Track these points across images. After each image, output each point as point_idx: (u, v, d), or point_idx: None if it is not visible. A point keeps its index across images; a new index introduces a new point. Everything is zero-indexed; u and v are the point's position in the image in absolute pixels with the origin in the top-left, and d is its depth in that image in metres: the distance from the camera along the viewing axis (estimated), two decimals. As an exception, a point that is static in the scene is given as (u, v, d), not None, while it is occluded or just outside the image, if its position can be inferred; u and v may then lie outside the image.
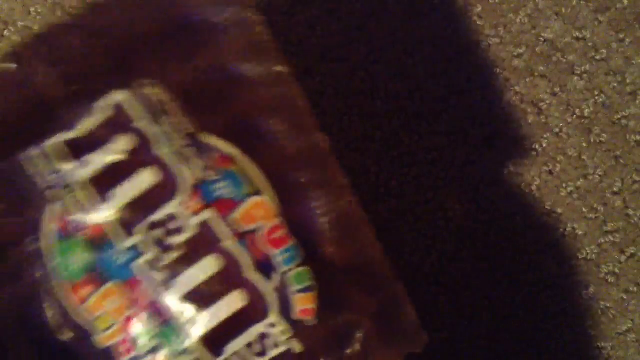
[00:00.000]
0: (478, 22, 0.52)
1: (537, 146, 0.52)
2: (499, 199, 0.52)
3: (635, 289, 0.52)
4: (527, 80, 0.52)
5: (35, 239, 0.39)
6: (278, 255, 0.37)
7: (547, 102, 0.52)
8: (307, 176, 0.38)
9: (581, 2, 0.52)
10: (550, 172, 0.52)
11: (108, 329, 0.38)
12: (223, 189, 0.37)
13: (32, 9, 0.53)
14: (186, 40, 0.39)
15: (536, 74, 0.52)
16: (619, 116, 0.52)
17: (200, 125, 0.38)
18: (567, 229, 0.52)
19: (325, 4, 0.52)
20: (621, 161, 0.52)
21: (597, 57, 0.52)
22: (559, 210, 0.52)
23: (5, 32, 0.53)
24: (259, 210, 0.37)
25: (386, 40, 0.52)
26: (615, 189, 0.52)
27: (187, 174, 0.37)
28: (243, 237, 0.37)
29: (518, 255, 0.52)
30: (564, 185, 0.52)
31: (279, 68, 0.39)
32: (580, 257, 0.52)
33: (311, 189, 0.38)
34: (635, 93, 0.52)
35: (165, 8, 0.39)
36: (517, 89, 0.52)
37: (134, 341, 0.38)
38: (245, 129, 0.39)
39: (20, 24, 0.53)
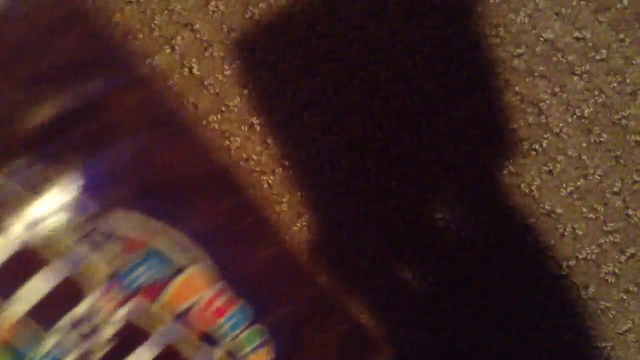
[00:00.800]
0: (478, 22, 0.52)
1: (537, 146, 0.52)
2: (499, 199, 0.52)
3: (635, 289, 0.52)
4: (527, 80, 0.52)
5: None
6: (223, 324, 0.35)
7: (547, 102, 0.52)
8: (242, 231, 0.36)
9: (581, 2, 0.52)
10: (550, 172, 0.52)
11: None
12: (145, 274, 0.34)
13: (32, 9, 0.53)
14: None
15: (536, 74, 0.52)
16: (619, 116, 0.52)
17: (107, 206, 0.33)
18: (567, 229, 0.52)
19: (325, 4, 0.52)
20: (621, 161, 0.52)
21: (597, 57, 0.52)
22: (559, 210, 0.52)
23: (5, 32, 0.53)
24: (191, 284, 0.34)
25: (386, 40, 0.52)
26: (615, 189, 0.52)
27: (98, 265, 0.33)
28: (179, 316, 0.35)
29: (518, 255, 0.52)
30: (564, 185, 0.52)
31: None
32: (580, 257, 0.52)
33: (248, 240, 0.36)
34: (635, 93, 0.52)
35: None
36: (517, 89, 0.52)
37: None
38: (164, 198, 0.35)
39: (20, 24, 0.53)
